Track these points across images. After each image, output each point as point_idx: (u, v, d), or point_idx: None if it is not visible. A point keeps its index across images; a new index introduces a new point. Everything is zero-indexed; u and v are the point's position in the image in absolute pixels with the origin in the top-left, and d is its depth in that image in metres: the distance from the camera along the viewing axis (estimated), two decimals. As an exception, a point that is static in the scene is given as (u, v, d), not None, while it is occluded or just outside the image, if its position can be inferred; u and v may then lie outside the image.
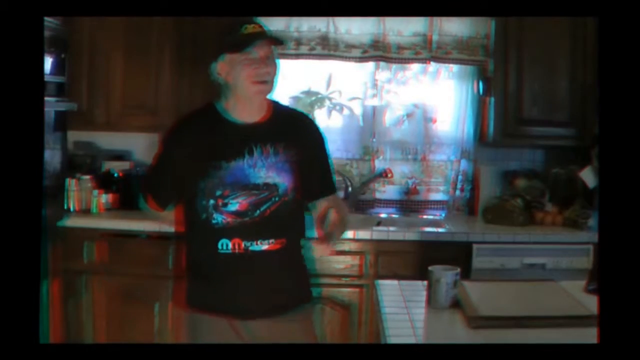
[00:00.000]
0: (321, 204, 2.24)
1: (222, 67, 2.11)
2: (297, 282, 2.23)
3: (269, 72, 2.09)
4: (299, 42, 3.80)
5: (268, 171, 2.10)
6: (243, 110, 2.13)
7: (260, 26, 2.11)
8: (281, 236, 2.13)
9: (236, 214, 2.09)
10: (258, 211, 2.09)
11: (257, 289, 2.12)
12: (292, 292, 2.20)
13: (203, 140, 2.12)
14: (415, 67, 4.02)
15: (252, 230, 2.09)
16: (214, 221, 2.09)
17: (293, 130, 2.20)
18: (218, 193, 2.08)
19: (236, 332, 2.12)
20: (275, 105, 2.23)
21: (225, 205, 2.09)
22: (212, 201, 2.09)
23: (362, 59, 3.84)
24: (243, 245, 2.09)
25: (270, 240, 2.10)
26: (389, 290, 2.20)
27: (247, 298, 2.12)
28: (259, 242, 2.09)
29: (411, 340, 1.74)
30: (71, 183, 3.66)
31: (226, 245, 2.09)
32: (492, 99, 3.77)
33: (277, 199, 2.11)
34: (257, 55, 2.07)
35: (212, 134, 2.13)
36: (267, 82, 2.10)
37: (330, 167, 2.31)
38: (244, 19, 2.15)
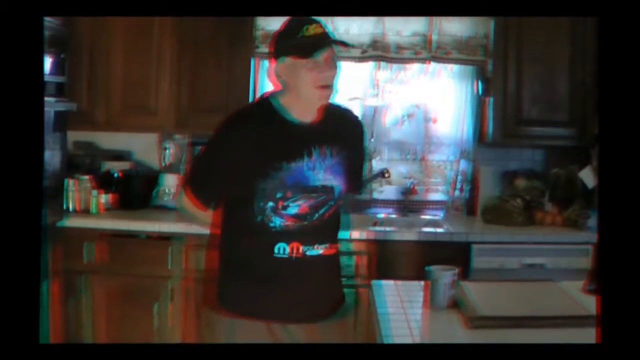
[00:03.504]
0: None
1: (283, 70, 2.01)
2: (340, 286, 2.20)
3: (333, 75, 2.01)
4: (298, 42, 3.79)
5: (326, 173, 2.03)
6: (301, 110, 2.04)
7: (321, 26, 2.01)
8: (334, 240, 2.09)
9: (296, 217, 2.01)
10: (317, 214, 2.03)
11: (309, 293, 2.06)
12: (335, 296, 2.17)
13: (260, 137, 2.02)
14: (415, 67, 4.02)
15: (311, 234, 2.03)
16: (271, 224, 2.00)
17: (344, 131, 2.14)
18: (279, 195, 1.99)
19: (273, 335, 2.05)
20: (327, 105, 2.11)
21: (285, 208, 2.00)
22: (271, 203, 1.99)
23: (361, 59, 3.84)
24: (301, 249, 2.02)
25: (326, 245, 2.06)
26: (386, 291, 2.20)
27: (298, 302, 2.05)
28: (316, 247, 2.03)
29: (408, 340, 1.74)
30: (71, 183, 3.66)
31: (283, 249, 2.01)
32: (492, 99, 3.77)
33: (333, 202, 2.06)
34: (321, 58, 1.98)
35: (270, 132, 2.03)
36: (331, 86, 2.01)
37: (364, 166, 2.29)
38: (301, 18, 2.06)
